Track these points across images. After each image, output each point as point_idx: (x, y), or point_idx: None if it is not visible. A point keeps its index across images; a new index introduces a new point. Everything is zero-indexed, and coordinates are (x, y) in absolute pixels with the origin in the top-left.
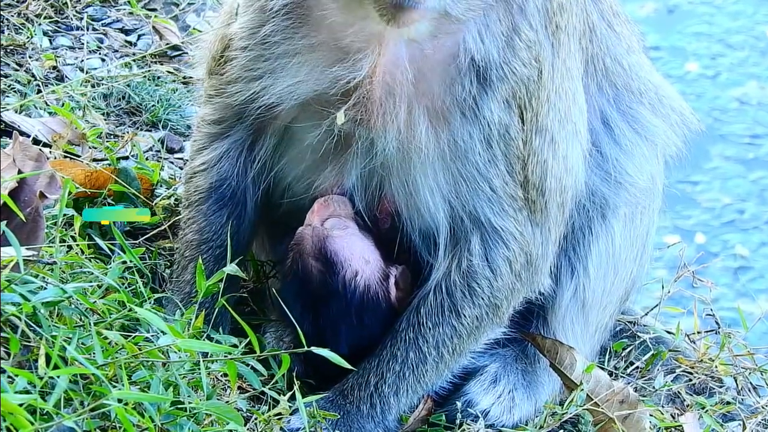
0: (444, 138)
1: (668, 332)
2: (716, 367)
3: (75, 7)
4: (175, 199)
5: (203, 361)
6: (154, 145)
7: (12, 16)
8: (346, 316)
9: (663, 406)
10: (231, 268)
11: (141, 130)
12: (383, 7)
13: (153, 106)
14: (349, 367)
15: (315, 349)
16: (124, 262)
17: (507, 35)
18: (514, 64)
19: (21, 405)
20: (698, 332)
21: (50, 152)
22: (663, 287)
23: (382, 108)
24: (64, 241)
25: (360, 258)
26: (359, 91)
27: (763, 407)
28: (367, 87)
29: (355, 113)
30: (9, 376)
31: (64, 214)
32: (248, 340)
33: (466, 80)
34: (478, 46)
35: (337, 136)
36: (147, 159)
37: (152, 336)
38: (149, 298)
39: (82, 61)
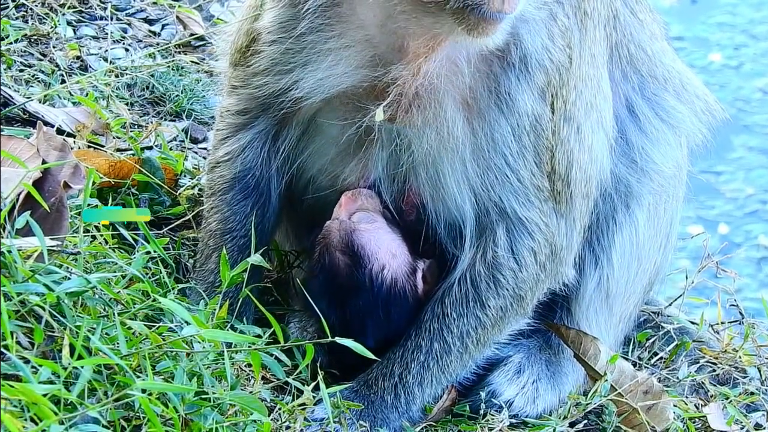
0: (479, 132)
1: (692, 323)
2: (740, 357)
3: None
4: (199, 189)
5: (227, 351)
6: (177, 135)
7: (36, 5)
8: (372, 310)
9: (687, 397)
10: (255, 258)
11: (165, 120)
12: (467, 20)
13: (177, 96)
14: (373, 357)
15: (339, 339)
16: (148, 252)
17: (547, 23)
18: (552, 51)
19: (45, 395)
20: (722, 323)
21: (74, 142)
22: (687, 277)
23: (422, 105)
24: (88, 231)
25: (387, 252)
26: (398, 88)
27: None
28: (409, 84)
29: (392, 110)
30: (33, 367)
31: (88, 204)
32: (272, 330)
33: (510, 72)
34: (528, 38)
35: (365, 129)
36: (171, 149)
37: (176, 326)
38: (173, 288)
39: (106, 51)
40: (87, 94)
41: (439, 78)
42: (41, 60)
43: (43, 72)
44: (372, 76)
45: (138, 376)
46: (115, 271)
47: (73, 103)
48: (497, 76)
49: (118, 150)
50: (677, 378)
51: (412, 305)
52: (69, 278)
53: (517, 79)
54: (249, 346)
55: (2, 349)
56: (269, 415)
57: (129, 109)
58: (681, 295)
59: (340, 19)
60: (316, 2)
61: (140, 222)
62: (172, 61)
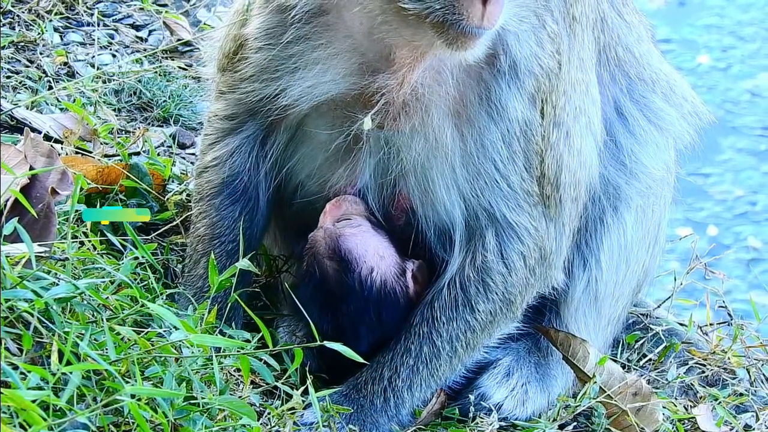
0: (468, 138)
1: (681, 324)
2: (729, 358)
3: (86, 3)
4: (187, 195)
5: (216, 356)
6: (165, 141)
7: (23, 12)
8: (364, 314)
9: (676, 398)
10: (243, 263)
11: (152, 125)
12: (446, 34)
13: (164, 101)
14: (363, 361)
15: (328, 343)
16: (136, 258)
17: (536, 29)
18: (541, 57)
19: (34, 401)
20: (711, 324)
21: (62, 148)
22: (675, 279)
23: (409, 113)
24: (76, 237)
25: (374, 254)
26: (386, 97)
27: None
28: (396, 93)
29: (380, 118)
30: (22, 373)
31: (76, 210)
32: (261, 334)
33: (500, 79)
34: (516, 46)
35: (353, 136)
36: (158, 154)
37: (165, 331)
38: (161, 294)
39: (93, 57)
40: (74, 100)
41: (425, 87)
42: (28, 66)
43: (30, 78)
44: (360, 84)
45: (127, 382)
46: (103, 277)
47: (61, 109)
48: (487, 84)
49: (106, 156)
50: (666, 379)
51: (404, 307)
52: (57, 284)
53: (507, 86)
54: (238, 351)
55: None
56: (258, 420)
57: (116, 115)
58: (670, 297)
59: (327, 28)
60: (302, 9)
61: (128, 227)
62: (159, 66)
